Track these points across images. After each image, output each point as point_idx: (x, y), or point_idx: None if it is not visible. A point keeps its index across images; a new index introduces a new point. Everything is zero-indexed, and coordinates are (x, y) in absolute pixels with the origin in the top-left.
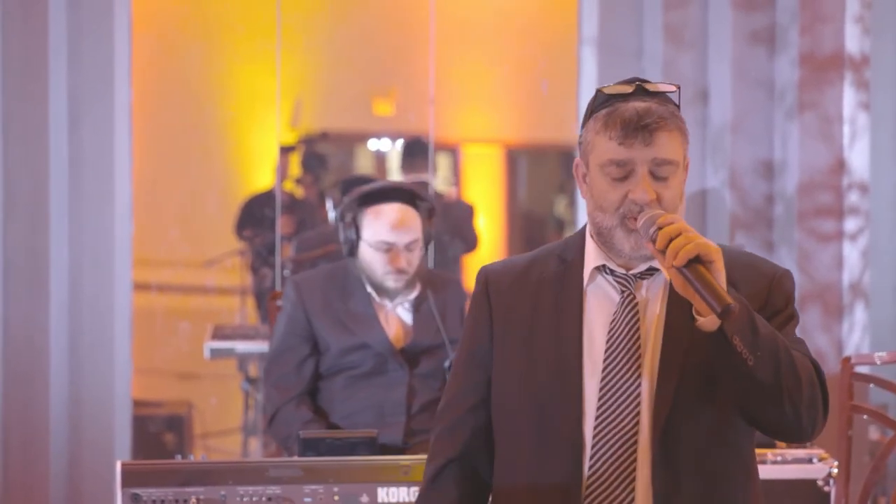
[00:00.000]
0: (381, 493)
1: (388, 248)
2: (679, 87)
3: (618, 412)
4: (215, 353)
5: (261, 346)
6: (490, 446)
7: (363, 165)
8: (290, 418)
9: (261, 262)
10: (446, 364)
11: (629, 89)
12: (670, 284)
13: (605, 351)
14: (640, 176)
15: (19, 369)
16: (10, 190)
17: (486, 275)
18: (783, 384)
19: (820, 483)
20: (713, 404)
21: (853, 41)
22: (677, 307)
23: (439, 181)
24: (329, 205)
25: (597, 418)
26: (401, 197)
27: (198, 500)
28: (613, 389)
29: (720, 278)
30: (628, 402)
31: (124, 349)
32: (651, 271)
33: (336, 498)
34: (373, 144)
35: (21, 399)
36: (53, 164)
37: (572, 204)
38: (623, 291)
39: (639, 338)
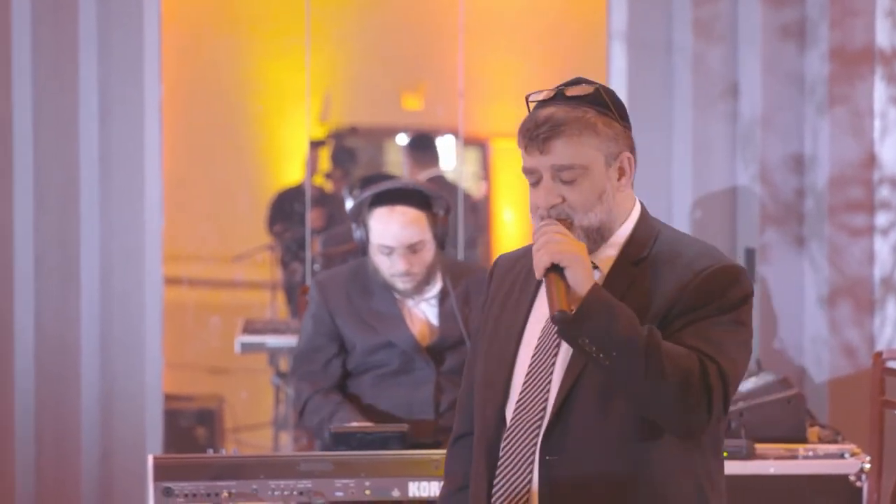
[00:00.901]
0: (413, 487)
1: (390, 252)
2: (599, 86)
3: (531, 401)
4: (246, 348)
5: (291, 341)
6: None
7: (392, 160)
8: (321, 404)
9: (291, 257)
10: None
11: (548, 95)
12: (605, 280)
13: (537, 340)
14: (543, 182)
15: (51, 364)
16: (41, 185)
17: (495, 262)
18: (645, 383)
19: (852, 478)
20: (611, 401)
21: (884, 35)
22: None
23: (468, 176)
24: (347, 203)
25: (517, 403)
26: (408, 198)
27: (229, 493)
28: (534, 379)
29: (577, 282)
30: (539, 392)
31: (155, 344)
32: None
33: (367, 492)
34: (402, 139)
35: (53, 393)
36: (83, 159)
37: None
38: None
39: (559, 337)
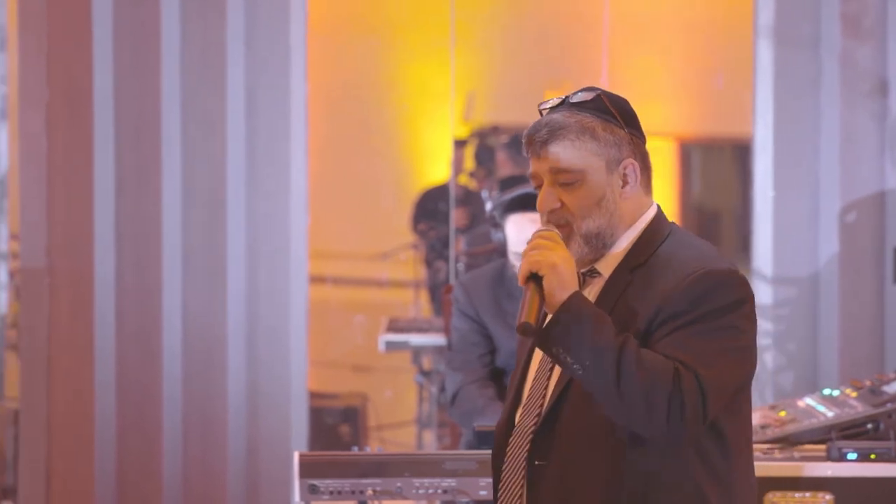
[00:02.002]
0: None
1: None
2: (602, 92)
3: (531, 406)
4: (390, 346)
5: (434, 339)
6: None
7: None
8: (474, 394)
9: (435, 256)
10: None
11: (555, 103)
12: (604, 287)
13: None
14: (544, 187)
15: (198, 361)
16: (189, 183)
17: None
18: (616, 392)
19: None
20: (597, 407)
21: None
22: (603, 307)
23: None
24: (487, 205)
25: (522, 407)
26: None
27: (374, 491)
28: (538, 384)
29: (553, 290)
30: (537, 398)
31: (300, 341)
32: (593, 273)
33: None
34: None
35: (200, 389)
36: (230, 158)
37: (746, 198)
38: None
39: None
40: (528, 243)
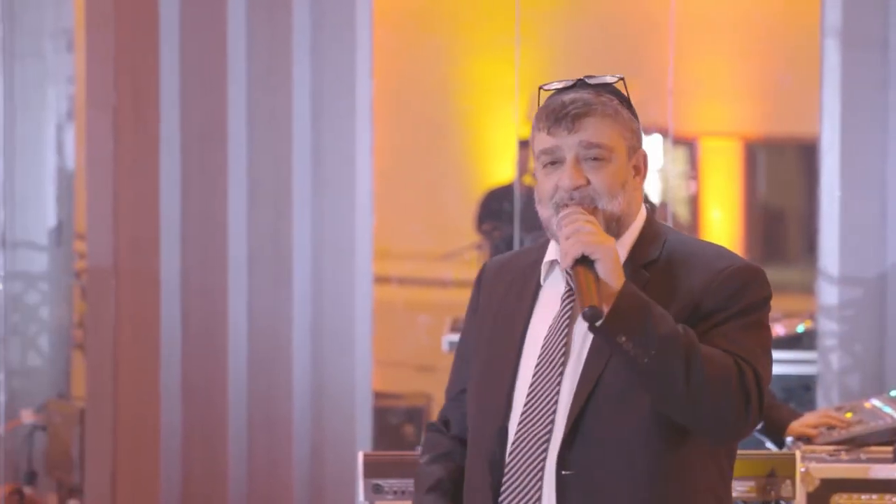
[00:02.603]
0: None
1: None
2: (623, 78)
3: (537, 413)
4: (453, 346)
5: None
6: None
7: None
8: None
9: None
10: None
11: (568, 83)
12: None
13: (541, 348)
14: (567, 163)
15: (263, 359)
16: (255, 183)
17: (483, 267)
18: (682, 384)
19: None
20: (629, 410)
21: None
22: None
23: (676, 175)
24: None
25: (521, 415)
26: None
27: None
28: (539, 389)
29: (609, 276)
30: (546, 404)
31: (365, 341)
32: None
33: None
34: None
35: (265, 389)
36: (296, 156)
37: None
38: (568, 287)
39: (567, 338)
40: (564, 221)
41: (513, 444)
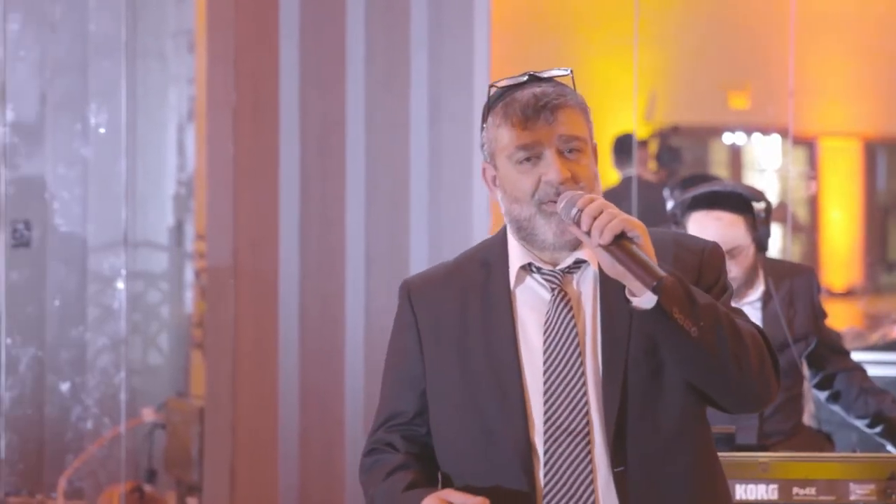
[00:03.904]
0: (739, 490)
1: None
2: (571, 71)
3: (566, 416)
4: None
5: None
6: (427, 452)
7: (717, 160)
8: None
9: None
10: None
11: (522, 79)
12: (601, 276)
13: (544, 353)
14: (550, 157)
15: (380, 360)
16: (372, 185)
17: (408, 287)
18: (730, 352)
19: None
20: (663, 394)
21: None
22: (611, 297)
23: (796, 175)
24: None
25: (545, 423)
26: (726, 201)
27: None
28: (558, 393)
29: (648, 253)
30: (576, 404)
31: None
32: (579, 264)
33: None
34: (727, 138)
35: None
36: (414, 158)
37: None
38: (553, 289)
39: (576, 336)
40: (580, 202)
41: (548, 454)
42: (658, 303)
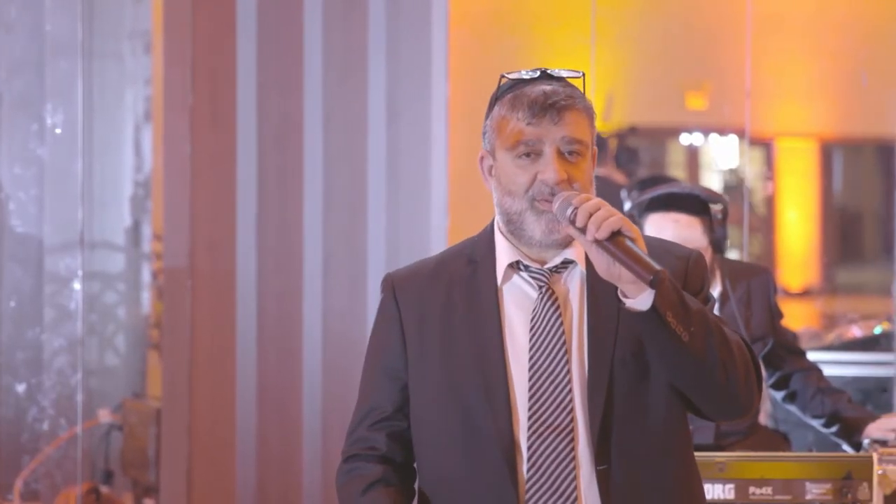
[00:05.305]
0: None
1: None
2: (584, 74)
3: (551, 413)
4: None
5: None
6: (409, 453)
7: (675, 160)
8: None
9: None
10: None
11: (534, 74)
12: (588, 276)
13: (530, 350)
14: (549, 156)
15: (338, 361)
16: (330, 185)
17: (392, 281)
18: (718, 359)
19: None
20: (648, 395)
21: None
22: (599, 298)
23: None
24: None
25: (530, 419)
26: (682, 203)
27: None
28: (543, 389)
29: (643, 250)
30: (561, 401)
31: None
32: (566, 264)
33: None
34: (685, 139)
35: (340, 390)
36: (371, 158)
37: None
38: (540, 287)
39: (563, 334)
40: (573, 206)
41: (531, 451)
42: (653, 305)
